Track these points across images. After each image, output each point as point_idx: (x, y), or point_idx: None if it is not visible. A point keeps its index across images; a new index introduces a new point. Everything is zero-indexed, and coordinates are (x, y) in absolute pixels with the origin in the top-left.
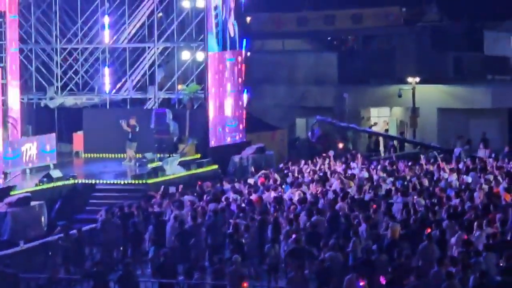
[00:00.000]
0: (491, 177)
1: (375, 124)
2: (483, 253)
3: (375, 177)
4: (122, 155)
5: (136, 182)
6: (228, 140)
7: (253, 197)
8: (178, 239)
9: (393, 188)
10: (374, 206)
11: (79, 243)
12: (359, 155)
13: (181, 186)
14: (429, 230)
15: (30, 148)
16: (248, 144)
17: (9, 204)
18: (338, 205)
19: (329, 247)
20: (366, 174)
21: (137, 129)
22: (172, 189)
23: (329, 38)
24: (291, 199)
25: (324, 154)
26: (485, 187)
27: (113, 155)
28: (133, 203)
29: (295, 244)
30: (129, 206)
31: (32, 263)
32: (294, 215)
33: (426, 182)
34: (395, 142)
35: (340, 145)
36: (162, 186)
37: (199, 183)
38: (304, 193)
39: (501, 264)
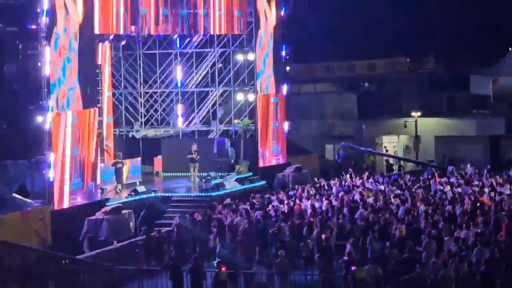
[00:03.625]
0: (476, 188)
1: (389, 147)
2: (476, 247)
3: (387, 189)
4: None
5: (203, 195)
6: (273, 162)
7: (293, 205)
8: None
9: (401, 198)
10: (386, 212)
11: (159, 242)
12: (367, 173)
13: (237, 201)
14: (430, 230)
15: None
16: (288, 165)
17: (105, 213)
18: (358, 212)
19: (351, 243)
20: (381, 187)
21: (198, 154)
22: (227, 200)
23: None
24: (322, 207)
25: (348, 172)
26: (472, 196)
27: (184, 174)
28: (201, 211)
29: (325, 242)
30: (198, 213)
31: (123, 258)
32: (325, 219)
33: (426, 193)
34: (402, 162)
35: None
36: (228, 199)
37: (252, 195)
38: (332, 202)
39: (486, 257)
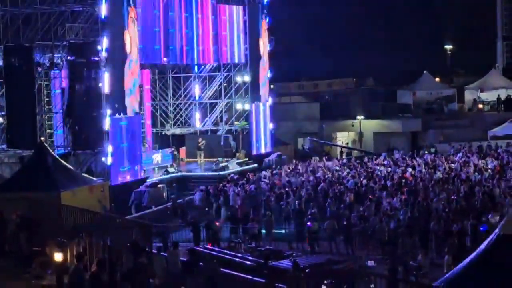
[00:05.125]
0: (402, 168)
1: (342, 140)
2: (402, 209)
3: (340, 169)
4: (206, 159)
5: (214, 173)
6: (262, 150)
7: (276, 181)
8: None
9: (350, 175)
10: (340, 184)
11: (183, 206)
12: (325, 158)
13: (236, 176)
14: (370, 197)
15: (157, 156)
16: (272, 152)
17: (146, 186)
18: (321, 185)
19: (315, 206)
20: (336, 167)
21: (203, 145)
22: (233, 176)
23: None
24: (295, 181)
25: (313, 157)
26: (399, 173)
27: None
28: (212, 185)
29: (298, 206)
30: (211, 186)
31: (158, 218)
32: (298, 190)
33: (367, 171)
34: (350, 151)
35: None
36: (230, 175)
37: (247, 173)
38: (303, 178)
39: (409, 215)
